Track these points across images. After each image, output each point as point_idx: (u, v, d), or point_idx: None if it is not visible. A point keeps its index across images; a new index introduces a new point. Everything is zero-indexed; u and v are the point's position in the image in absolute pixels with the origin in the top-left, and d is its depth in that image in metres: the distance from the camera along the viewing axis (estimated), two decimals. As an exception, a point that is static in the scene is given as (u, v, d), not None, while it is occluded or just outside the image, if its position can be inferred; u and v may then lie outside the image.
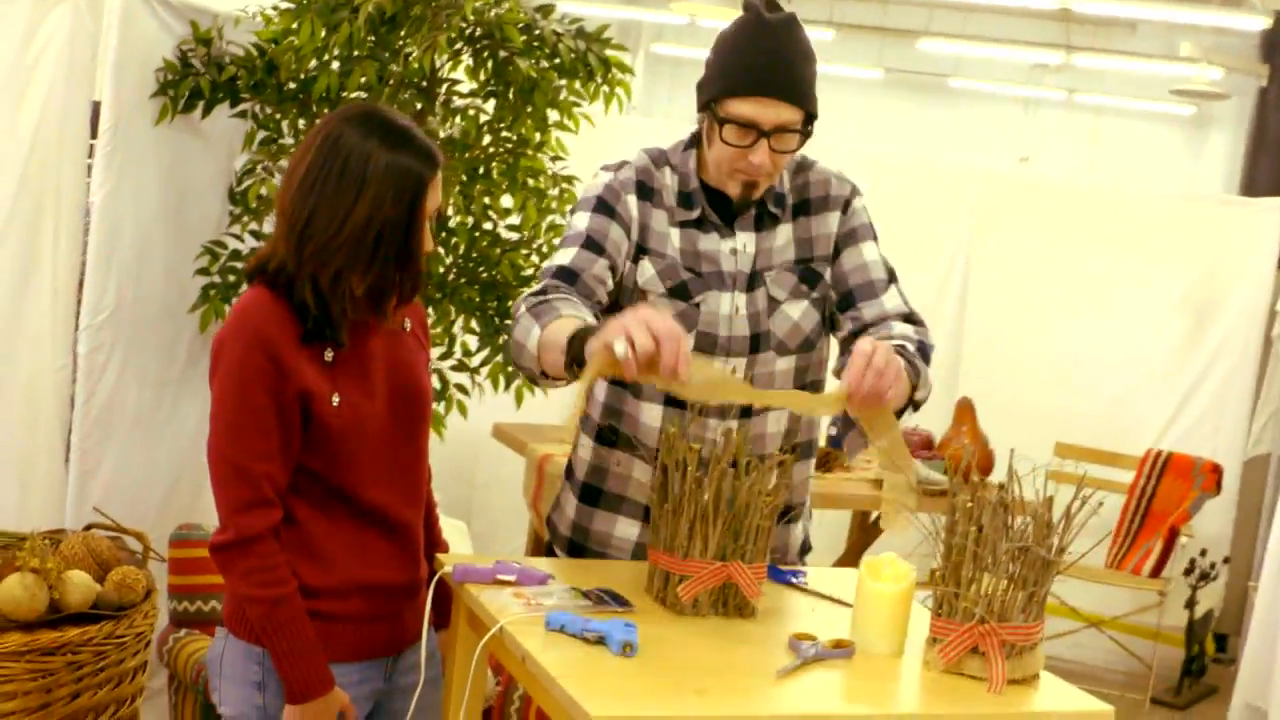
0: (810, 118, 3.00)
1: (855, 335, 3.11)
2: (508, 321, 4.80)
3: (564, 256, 3.01)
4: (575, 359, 2.62)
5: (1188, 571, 7.06)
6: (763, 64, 2.94)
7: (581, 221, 3.06)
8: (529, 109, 4.71)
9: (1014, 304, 7.57)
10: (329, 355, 2.79)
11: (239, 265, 4.66)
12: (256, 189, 4.54)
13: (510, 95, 4.72)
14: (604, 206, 3.07)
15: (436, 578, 2.89)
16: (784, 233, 3.14)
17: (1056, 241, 7.57)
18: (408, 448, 2.95)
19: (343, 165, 2.71)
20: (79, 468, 4.42)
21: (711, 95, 2.99)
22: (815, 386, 3.21)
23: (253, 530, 2.73)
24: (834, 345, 3.23)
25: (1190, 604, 7.10)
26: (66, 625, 3.66)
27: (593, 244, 3.02)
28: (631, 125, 8.05)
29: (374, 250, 2.72)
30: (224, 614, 2.93)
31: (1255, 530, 7.84)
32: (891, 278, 3.18)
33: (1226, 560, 7.40)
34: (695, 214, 3.09)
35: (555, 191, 4.87)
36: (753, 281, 3.10)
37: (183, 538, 4.25)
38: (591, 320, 2.75)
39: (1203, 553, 7.15)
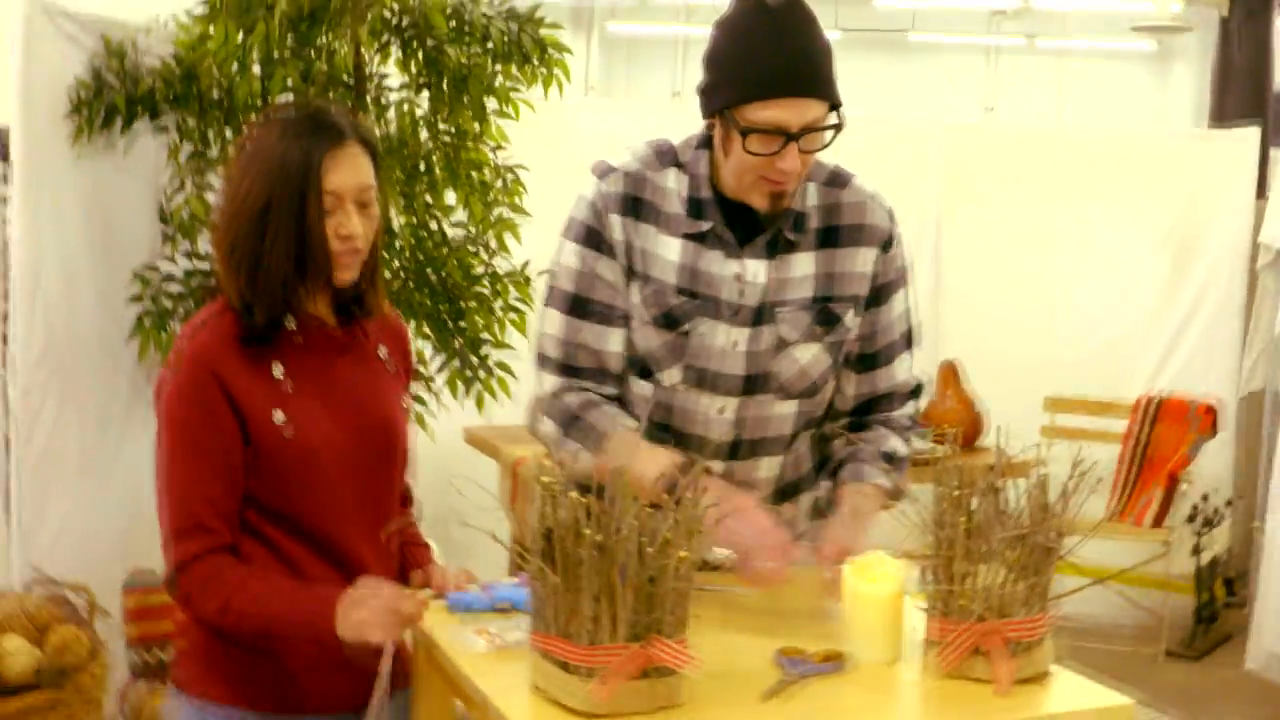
0: (834, 108, 2.71)
1: (856, 410, 2.97)
2: (461, 324, 4.60)
3: (556, 325, 2.85)
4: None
5: (1191, 518, 6.88)
6: (780, 61, 2.64)
7: (571, 258, 2.85)
8: (465, 99, 4.49)
9: (990, 258, 7.41)
10: (278, 371, 2.60)
11: (174, 290, 4.44)
12: (183, 206, 4.32)
13: (444, 86, 4.51)
14: (591, 238, 2.83)
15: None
16: (803, 263, 2.83)
17: (1029, 190, 7.42)
18: (375, 482, 2.74)
19: (239, 152, 2.64)
20: (21, 521, 4.19)
21: (726, 102, 2.69)
22: (813, 424, 2.97)
23: (187, 554, 2.52)
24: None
25: (1196, 551, 6.92)
26: (6, 698, 3.40)
27: (579, 306, 2.83)
28: (591, 105, 7.91)
29: (261, 225, 2.55)
30: (171, 674, 2.72)
31: (1257, 469, 7.67)
32: (909, 339, 2.97)
33: (1230, 503, 7.22)
34: (704, 227, 2.80)
35: (500, 184, 4.66)
36: (759, 316, 2.82)
37: (136, 585, 4.06)
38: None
39: (1205, 497, 6.98)
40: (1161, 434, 7.04)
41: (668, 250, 2.82)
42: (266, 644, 2.58)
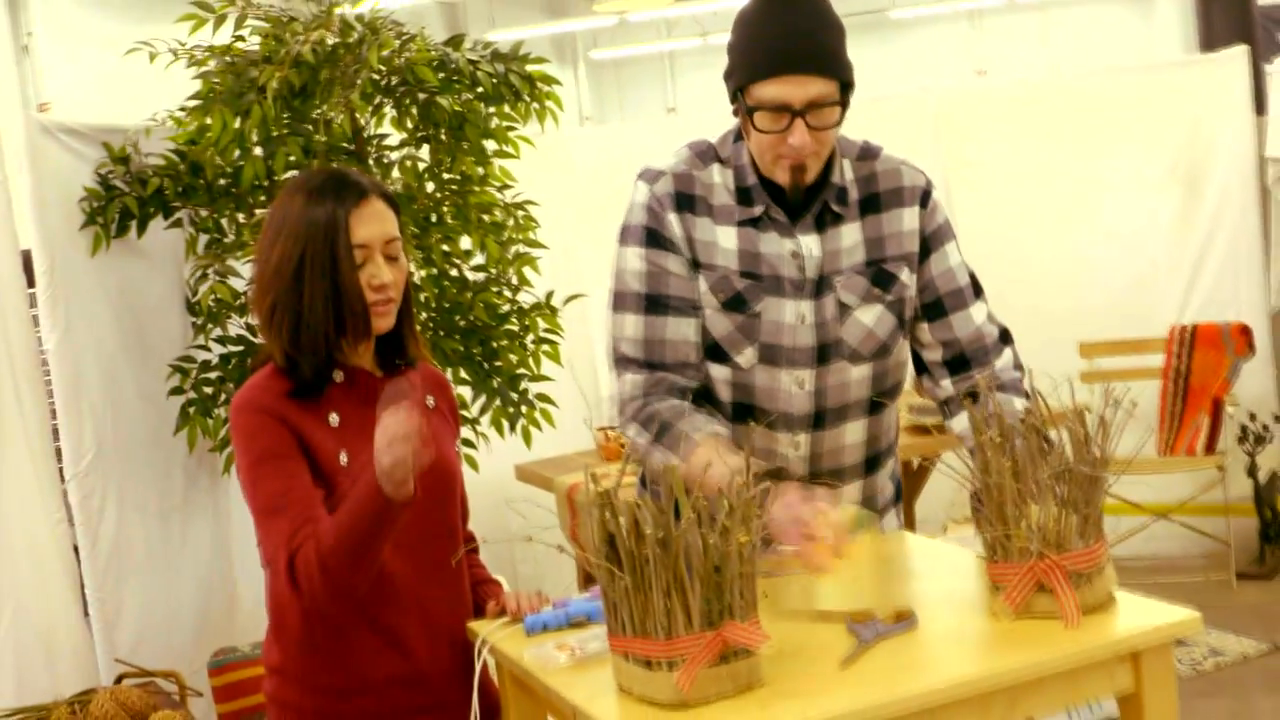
0: (846, 87, 2.84)
1: (950, 364, 3.02)
2: (496, 363, 4.67)
3: (633, 327, 2.93)
4: None
5: (1241, 439, 6.90)
6: (781, 41, 2.79)
7: (635, 261, 2.95)
8: (464, 145, 4.57)
9: (1004, 218, 7.41)
10: (334, 420, 2.71)
11: (211, 376, 4.52)
12: (208, 294, 4.39)
13: (442, 136, 4.58)
14: (652, 238, 2.94)
15: (479, 671, 2.72)
16: (851, 232, 2.96)
17: (1031, 145, 7.43)
18: (436, 519, 2.81)
19: (267, 225, 2.77)
20: (100, 619, 4.27)
21: (737, 84, 2.86)
22: (894, 391, 3.08)
23: (294, 545, 2.55)
24: (917, 370, 3.11)
25: (1252, 471, 6.94)
26: (114, 789, 3.47)
27: (655, 303, 2.92)
28: (587, 134, 7.96)
29: (298, 285, 2.68)
30: None
31: (1299, 382, 7.66)
32: (975, 289, 3.05)
33: (1278, 419, 7.23)
34: (757, 212, 2.93)
35: (512, 222, 4.73)
36: (820, 287, 2.93)
37: (220, 664, 4.11)
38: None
39: (1252, 417, 6.99)
40: (1200, 361, 7.04)
41: (725, 239, 2.93)
42: (373, 563, 2.59)
